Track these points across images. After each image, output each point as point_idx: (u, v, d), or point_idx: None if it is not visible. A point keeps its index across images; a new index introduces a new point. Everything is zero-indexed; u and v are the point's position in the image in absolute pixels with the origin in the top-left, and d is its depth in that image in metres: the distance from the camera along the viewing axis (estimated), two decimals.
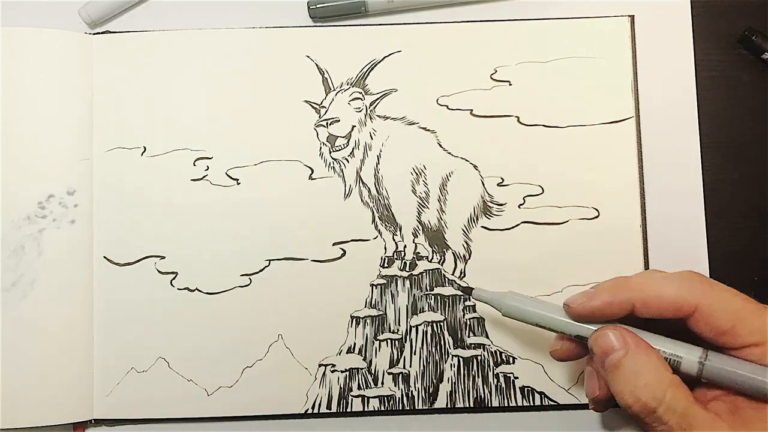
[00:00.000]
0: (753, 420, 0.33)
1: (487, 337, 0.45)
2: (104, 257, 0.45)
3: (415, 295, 0.46)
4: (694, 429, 0.32)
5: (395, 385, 0.45)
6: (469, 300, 0.45)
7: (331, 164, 0.46)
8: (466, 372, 0.45)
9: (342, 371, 0.45)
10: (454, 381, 0.45)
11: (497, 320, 0.45)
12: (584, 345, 0.37)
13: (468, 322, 0.45)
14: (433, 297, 0.46)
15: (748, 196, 0.47)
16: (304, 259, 0.46)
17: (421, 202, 0.46)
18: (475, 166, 0.46)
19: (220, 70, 0.47)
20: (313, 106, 0.47)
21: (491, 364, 0.45)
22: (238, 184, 0.46)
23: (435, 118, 0.46)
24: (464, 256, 0.46)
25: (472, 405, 0.45)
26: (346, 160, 0.47)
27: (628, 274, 0.45)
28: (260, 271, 0.45)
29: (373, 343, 0.45)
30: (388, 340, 0.45)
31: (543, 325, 0.38)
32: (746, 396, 0.34)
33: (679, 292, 0.33)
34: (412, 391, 0.45)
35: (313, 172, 0.46)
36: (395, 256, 0.46)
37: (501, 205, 0.46)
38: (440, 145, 0.46)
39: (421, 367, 0.45)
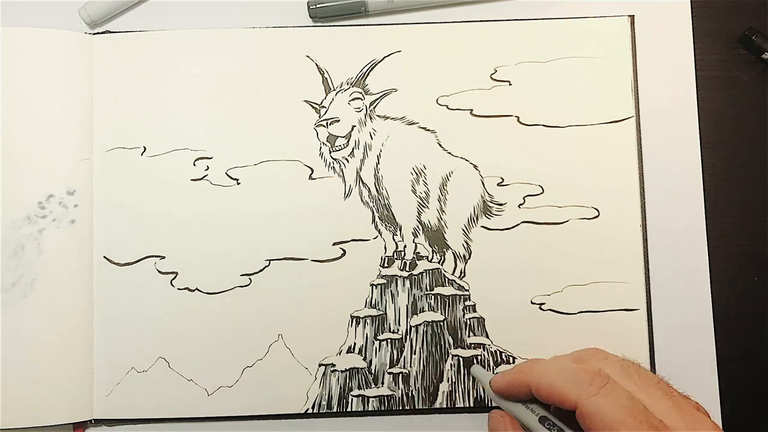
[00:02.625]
0: None
1: (487, 336, 0.45)
2: (104, 257, 0.45)
3: (415, 295, 0.46)
4: None
5: (395, 385, 0.45)
6: (469, 300, 0.45)
7: (331, 164, 0.46)
8: (466, 372, 0.45)
9: (342, 371, 0.45)
10: (453, 381, 0.45)
11: (497, 320, 0.45)
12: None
13: (468, 322, 0.45)
14: (433, 297, 0.46)
15: (748, 196, 0.47)
16: (304, 259, 0.46)
17: (421, 202, 0.46)
18: (475, 166, 0.46)
19: (220, 70, 0.47)
20: (313, 106, 0.47)
21: (491, 363, 0.45)
22: (238, 184, 0.46)
23: (435, 118, 0.46)
24: (464, 256, 0.46)
25: (471, 405, 0.45)
26: (346, 160, 0.47)
27: (628, 273, 0.45)
28: (260, 271, 0.45)
29: (373, 343, 0.45)
30: (388, 340, 0.45)
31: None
32: None
33: (563, 389, 0.35)
34: (411, 391, 0.45)
35: (313, 172, 0.46)
36: (395, 256, 0.46)
37: (501, 205, 0.46)
38: (440, 145, 0.46)
39: (421, 367, 0.45)
